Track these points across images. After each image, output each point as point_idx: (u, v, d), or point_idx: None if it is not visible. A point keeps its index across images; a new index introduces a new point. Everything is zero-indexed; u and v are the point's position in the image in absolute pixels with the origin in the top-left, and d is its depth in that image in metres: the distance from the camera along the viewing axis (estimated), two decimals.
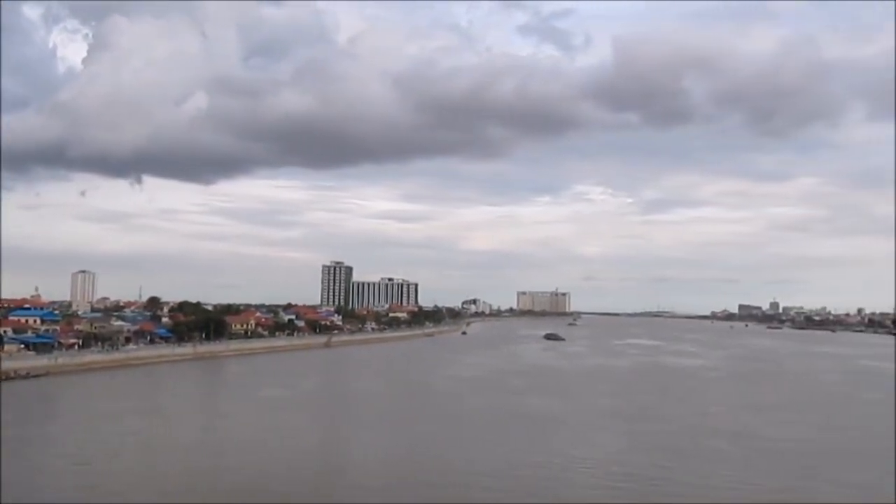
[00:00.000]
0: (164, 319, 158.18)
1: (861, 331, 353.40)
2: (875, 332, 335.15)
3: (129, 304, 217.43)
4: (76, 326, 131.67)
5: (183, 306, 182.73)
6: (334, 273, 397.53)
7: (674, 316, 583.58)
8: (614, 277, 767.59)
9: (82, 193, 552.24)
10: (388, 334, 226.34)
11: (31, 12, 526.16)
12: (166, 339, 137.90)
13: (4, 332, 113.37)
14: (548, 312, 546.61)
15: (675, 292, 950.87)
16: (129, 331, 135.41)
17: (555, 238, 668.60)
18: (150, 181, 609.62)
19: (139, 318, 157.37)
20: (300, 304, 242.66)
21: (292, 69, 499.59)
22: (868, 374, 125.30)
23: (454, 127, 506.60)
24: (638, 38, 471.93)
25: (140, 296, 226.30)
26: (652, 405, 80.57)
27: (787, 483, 45.46)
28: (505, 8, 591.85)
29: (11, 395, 77.46)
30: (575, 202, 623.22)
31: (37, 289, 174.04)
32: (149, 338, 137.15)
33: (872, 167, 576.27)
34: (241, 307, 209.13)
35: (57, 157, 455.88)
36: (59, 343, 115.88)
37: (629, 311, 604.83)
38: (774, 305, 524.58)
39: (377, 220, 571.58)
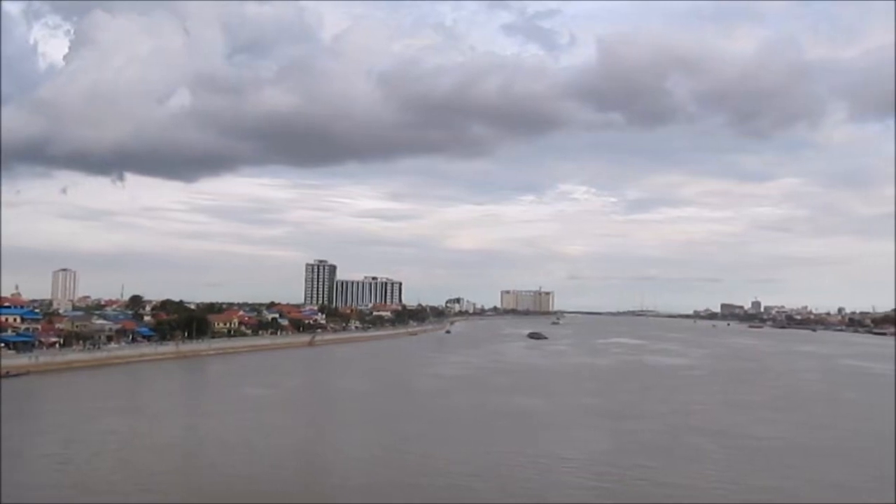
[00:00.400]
0: (147, 318, 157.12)
1: (841, 330, 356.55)
2: (855, 332, 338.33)
3: (110, 303, 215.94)
4: (57, 325, 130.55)
5: (165, 305, 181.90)
6: (318, 272, 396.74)
7: (657, 315, 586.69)
8: (598, 276, 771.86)
9: (64, 191, 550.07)
10: (372, 333, 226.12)
11: (12, 8, 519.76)
12: (148, 338, 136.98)
13: None
14: (531, 311, 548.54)
15: (659, 291, 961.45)
16: (110, 329, 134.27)
17: (539, 237, 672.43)
18: (132, 179, 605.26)
19: (121, 316, 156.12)
20: (284, 302, 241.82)
21: (277, 67, 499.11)
22: (848, 374, 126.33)
23: (439, 126, 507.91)
24: (622, 39, 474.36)
25: (122, 294, 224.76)
26: (635, 404, 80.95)
27: (770, 482, 45.70)
28: (490, 7, 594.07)
29: None
30: (559, 201, 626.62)
31: (17, 287, 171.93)
32: (131, 336, 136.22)
33: (853, 168, 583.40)
34: (224, 306, 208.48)
35: (38, 155, 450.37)
36: (40, 342, 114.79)
37: (612, 311, 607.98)
38: (756, 305, 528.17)
39: (361, 219, 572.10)
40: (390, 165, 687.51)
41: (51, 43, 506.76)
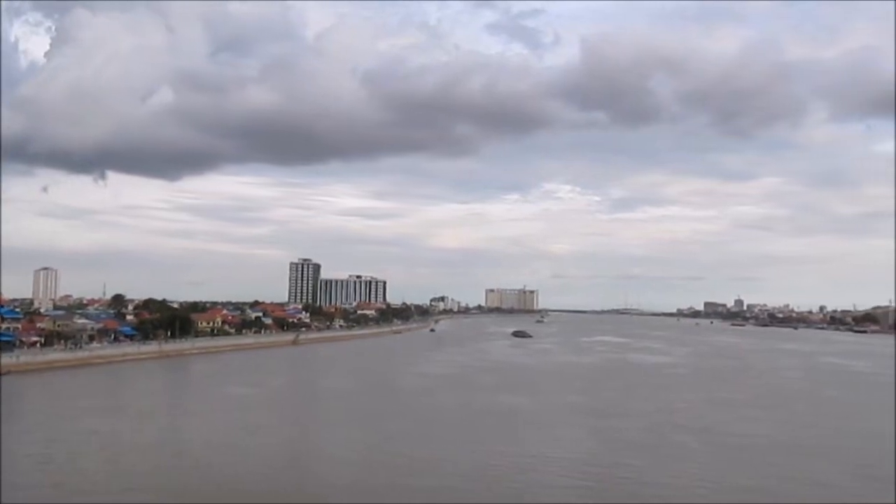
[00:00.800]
0: (129, 317, 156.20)
1: (823, 328, 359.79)
2: (836, 329, 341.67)
3: (92, 302, 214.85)
4: (38, 324, 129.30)
5: (148, 304, 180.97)
6: (302, 270, 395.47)
7: (640, 313, 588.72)
8: (582, 275, 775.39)
9: (44, 189, 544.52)
10: (357, 332, 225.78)
11: None
12: (131, 338, 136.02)
13: None
14: (516, 310, 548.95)
15: (642, 290, 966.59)
16: (92, 329, 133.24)
17: (523, 236, 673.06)
18: (114, 177, 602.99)
19: (103, 315, 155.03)
20: (267, 301, 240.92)
21: (260, 65, 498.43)
22: (830, 372, 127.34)
23: (423, 124, 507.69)
24: (606, 38, 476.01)
25: (104, 293, 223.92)
26: (620, 401, 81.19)
27: (754, 480, 45.87)
28: (474, 7, 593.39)
29: None
30: (543, 200, 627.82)
31: None
32: (113, 336, 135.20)
33: (834, 167, 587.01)
34: (208, 305, 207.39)
35: (19, 152, 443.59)
36: (21, 341, 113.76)
37: (596, 309, 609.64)
38: (739, 303, 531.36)
39: (345, 218, 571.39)
40: (374, 164, 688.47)
41: (32, 40, 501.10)
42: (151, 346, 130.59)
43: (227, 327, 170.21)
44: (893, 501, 41.21)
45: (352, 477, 45.84)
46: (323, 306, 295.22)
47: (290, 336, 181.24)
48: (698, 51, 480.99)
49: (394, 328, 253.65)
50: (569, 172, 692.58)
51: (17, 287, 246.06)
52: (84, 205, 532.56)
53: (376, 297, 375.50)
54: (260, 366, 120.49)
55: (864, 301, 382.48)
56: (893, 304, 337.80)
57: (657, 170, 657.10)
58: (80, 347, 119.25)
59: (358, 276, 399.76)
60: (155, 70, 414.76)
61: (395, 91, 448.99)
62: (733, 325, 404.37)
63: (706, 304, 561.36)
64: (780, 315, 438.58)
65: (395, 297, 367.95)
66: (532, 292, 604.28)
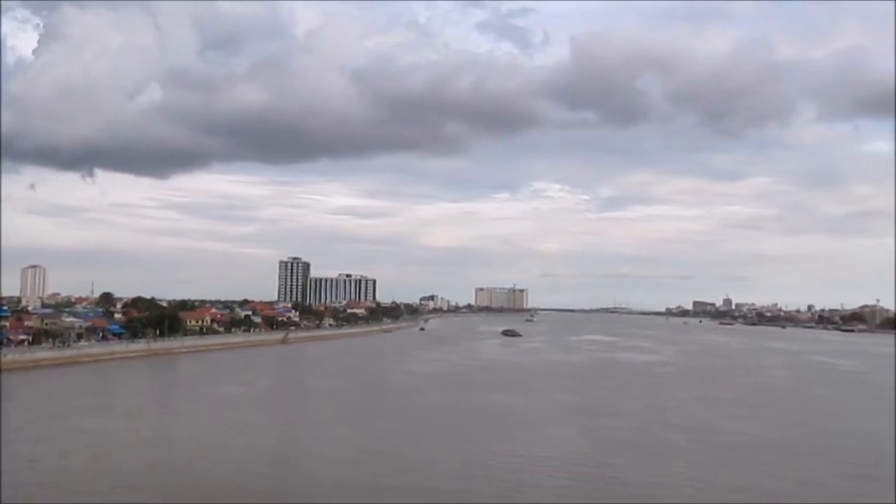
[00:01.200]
0: (118, 315, 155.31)
1: (811, 327, 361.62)
2: (825, 329, 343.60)
3: (81, 300, 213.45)
4: (26, 322, 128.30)
5: (136, 302, 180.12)
6: (291, 269, 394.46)
7: (630, 312, 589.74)
8: (571, 274, 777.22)
9: (32, 186, 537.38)
10: (346, 330, 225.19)
11: None
12: (119, 336, 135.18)
13: None
14: (505, 309, 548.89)
15: (631, 289, 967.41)
16: (80, 327, 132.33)
17: (513, 235, 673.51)
18: (102, 175, 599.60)
19: (91, 314, 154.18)
20: (257, 300, 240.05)
21: (249, 63, 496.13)
22: (818, 371, 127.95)
23: (413, 123, 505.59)
24: (595, 38, 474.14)
25: (92, 291, 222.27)
26: (610, 400, 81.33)
27: (744, 479, 45.97)
28: (464, 6, 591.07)
29: None
30: (533, 199, 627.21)
31: None
32: (101, 334, 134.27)
33: (822, 167, 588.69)
34: (197, 303, 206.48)
35: (6, 150, 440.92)
36: (8, 339, 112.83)
37: (586, 308, 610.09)
38: (727, 302, 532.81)
39: (335, 216, 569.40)
40: (364, 163, 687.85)
41: (20, 37, 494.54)
42: (140, 345, 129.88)
43: (216, 326, 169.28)
44: (893, 502, 41.35)
45: (341, 476, 45.67)
46: (312, 305, 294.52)
47: (279, 335, 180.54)
48: (688, 50, 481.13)
49: (383, 327, 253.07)
50: (558, 172, 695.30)
51: (5, 285, 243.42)
52: (72, 202, 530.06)
53: (366, 296, 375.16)
54: (249, 364, 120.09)
55: (851, 300, 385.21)
56: (880, 304, 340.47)
57: (646, 169, 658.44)
58: (68, 346, 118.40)
59: (348, 275, 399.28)
60: (144, 68, 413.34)
61: (385, 89, 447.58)
62: (721, 324, 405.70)
63: (695, 304, 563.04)
64: (769, 314, 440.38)
65: (384, 296, 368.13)
66: (522, 291, 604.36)
